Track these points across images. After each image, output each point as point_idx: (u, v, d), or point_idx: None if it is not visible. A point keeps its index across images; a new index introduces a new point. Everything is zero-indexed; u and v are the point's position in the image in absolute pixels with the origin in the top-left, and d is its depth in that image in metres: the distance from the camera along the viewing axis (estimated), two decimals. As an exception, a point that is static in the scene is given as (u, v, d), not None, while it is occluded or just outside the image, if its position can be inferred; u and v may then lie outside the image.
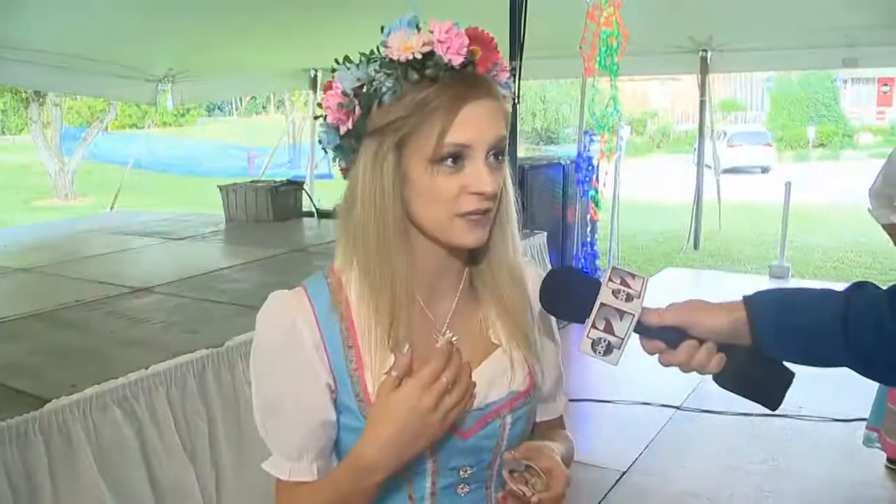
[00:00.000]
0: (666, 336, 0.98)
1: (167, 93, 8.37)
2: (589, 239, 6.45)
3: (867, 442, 3.07)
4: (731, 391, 0.99)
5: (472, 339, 1.08)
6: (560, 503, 0.99)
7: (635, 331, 0.97)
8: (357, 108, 0.98)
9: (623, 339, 0.97)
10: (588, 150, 6.40)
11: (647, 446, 3.77)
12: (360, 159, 0.99)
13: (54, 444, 2.13)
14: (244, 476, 2.58)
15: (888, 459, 3.36)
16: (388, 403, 0.95)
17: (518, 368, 1.08)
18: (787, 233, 7.82)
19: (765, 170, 20.31)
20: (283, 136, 14.64)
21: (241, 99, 31.62)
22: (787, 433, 3.87)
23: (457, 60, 0.96)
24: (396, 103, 0.96)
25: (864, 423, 3.45)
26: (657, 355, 0.99)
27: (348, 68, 0.99)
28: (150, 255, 4.89)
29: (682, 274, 7.89)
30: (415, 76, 0.95)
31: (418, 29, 0.97)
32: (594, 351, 0.97)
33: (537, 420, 1.18)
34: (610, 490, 3.36)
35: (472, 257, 1.09)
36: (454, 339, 1.04)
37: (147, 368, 2.42)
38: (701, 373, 0.98)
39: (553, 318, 1.17)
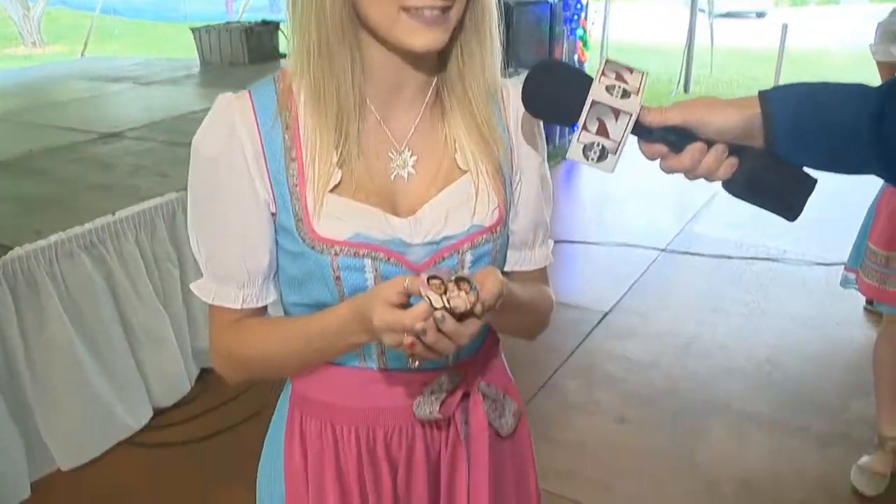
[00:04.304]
0: (669, 138, 0.84)
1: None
2: (576, 81, 6.25)
3: (844, 283, 3.05)
4: (743, 199, 0.87)
5: (435, 160, 0.95)
6: (486, 309, 0.79)
7: (633, 133, 0.84)
8: None
9: (619, 143, 0.83)
10: (577, -11, 6.08)
11: (631, 287, 3.78)
12: None
13: (20, 291, 2.08)
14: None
15: (866, 301, 3.37)
16: (380, 313, 0.79)
17: (484, 200, 0.94)
18: (782, 77, 7.60)
19: (760, 14, 19.62)
20: (260, -24, 13.89)
21: (215, -62, 29.92)
22: (768, 275, 3.88)
23: None
24: None
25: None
26: (658, 161, 0.86)
27: None
28: (120, 100, 4.71)
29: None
30: None
31: None
32: (586, 157, 0.84)
33: (510, 269, 1.04)
34: (592, 330, 3.39)
35: (442, 66, 0.94)
36: (412, 158, 0.92)
37: (114, 214, 2.35)
38: (709, 179, 0.86)
39: (542, 155, 1.03)
